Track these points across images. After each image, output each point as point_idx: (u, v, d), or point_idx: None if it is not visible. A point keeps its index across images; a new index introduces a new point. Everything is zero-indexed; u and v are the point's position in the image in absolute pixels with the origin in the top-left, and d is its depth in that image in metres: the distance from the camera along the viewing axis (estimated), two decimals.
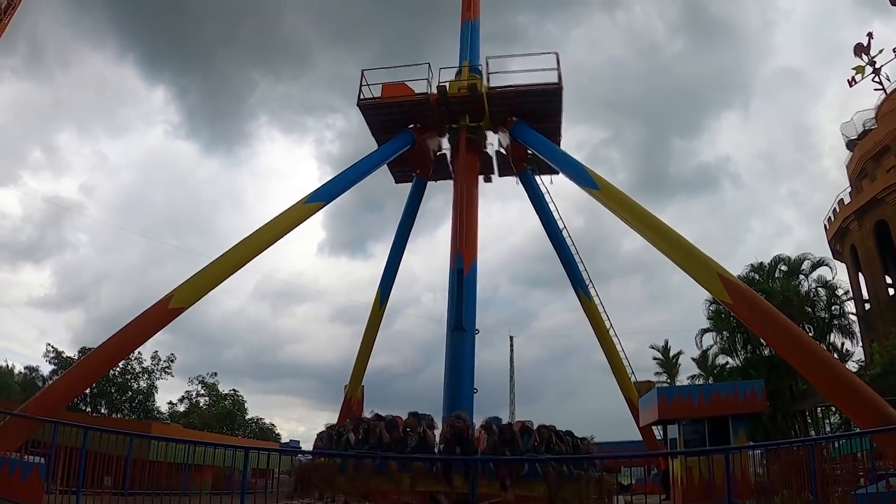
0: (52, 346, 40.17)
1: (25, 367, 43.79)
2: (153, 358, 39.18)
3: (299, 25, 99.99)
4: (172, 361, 39.78)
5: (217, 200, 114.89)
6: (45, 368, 40.50)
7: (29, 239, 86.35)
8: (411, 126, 20.46)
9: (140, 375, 38.49)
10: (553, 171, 21.51)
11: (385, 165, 20.97)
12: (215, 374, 44.84)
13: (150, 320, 14.92)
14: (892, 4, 36.06)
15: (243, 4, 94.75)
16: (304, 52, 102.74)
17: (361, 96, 20.28)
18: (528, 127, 19.75)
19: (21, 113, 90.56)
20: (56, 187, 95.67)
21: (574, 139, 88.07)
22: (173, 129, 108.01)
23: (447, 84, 19.53)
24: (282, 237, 17.69)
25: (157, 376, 38.94)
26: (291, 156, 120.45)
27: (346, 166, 19.72)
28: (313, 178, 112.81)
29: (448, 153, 21.40)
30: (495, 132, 20.88)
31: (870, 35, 35.74)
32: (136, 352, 36.40)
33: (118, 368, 36.82)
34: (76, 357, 38.61)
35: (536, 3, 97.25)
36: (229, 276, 16.55)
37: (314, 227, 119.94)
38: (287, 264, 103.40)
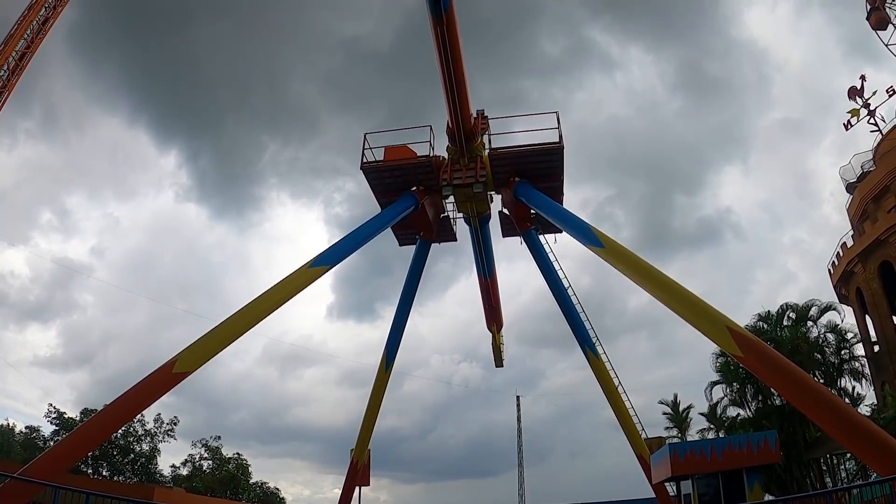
0: (55, 407, 39.74)
1: (27, 427, 43.21)
2: (156, 420, 38.72)
3: (307, 92, 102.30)
4: (176, 424, 39.33)
5: (226, 263, 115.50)
6: (47, 429, 40.02)
7: (37, 299, 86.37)
8: (414, 189, 20.55)
9: (143, 438, 37.94)
10: (557, 230, 21.49)
11: (389, 228, 20.99)
12: (219, 437, 44.24)
13: (154, 384, 14.76)
14: (874, 28, 36.68)
15: (253, 71, 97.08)
16: (313, 117, 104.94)
17: (364, 160, 20.43)
18: (530, 187, 19.83)
19: (34, 174, 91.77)
20: (66, 248, 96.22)
21: (578, 198, 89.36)
22: (184, 192, 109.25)
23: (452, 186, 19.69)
24: (287, 301, 17.61)
25: (161, 439, 38.39)
26: (300, 218, 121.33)
27: (355, 229, 19.76)
28: (322, 240, 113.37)
29: (451, 215, 21.44)
30: (498, 192, 20.93)
31: (863, 78, 36.31)
32: (139, 414, 35.96)
33: (121, 431, 36.25)
34: (78, 418, 38.19)
35: (539, 69, 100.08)
36: (234, 340, 16.44)
37: (323, 291, 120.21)
38: (296, 327, 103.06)
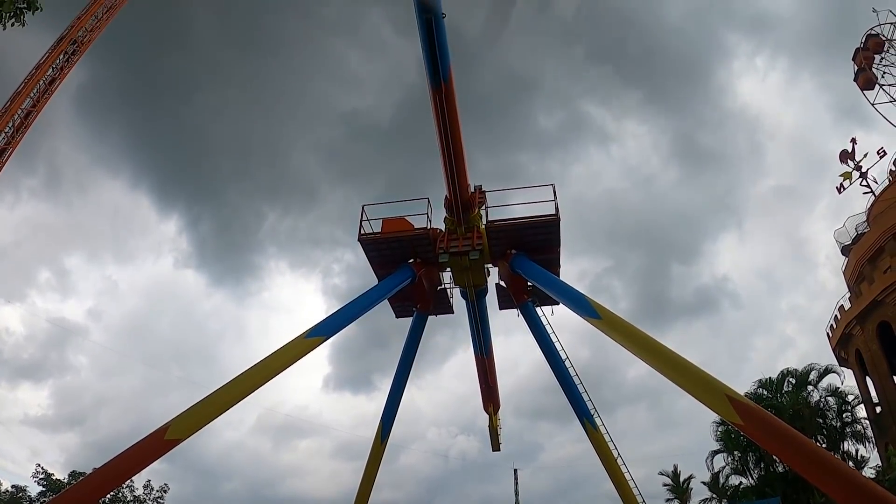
0: (42, 468, 38.94)
1: (13, 486, 42.24)
2: (146, 487, 37.86)
3: (307, 163, 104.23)
4: (166, 492, 38.42)
5: (223, 331, 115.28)
6: (34, 489, 39.14)
7: (31, 358, 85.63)
8: (411, 261, 20.57)
9: None
10: (554, 302, 21.46)
11: (386, 300, 20.94)
12: None
13: (144, 451, 14.46)
14: (862, 89, 37.42)
15: (255, 141, 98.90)
16: (312, 187, 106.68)
17: (362, 231, 20.50)
18: (527, 259, 19.84)
19: (35, 232, 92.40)
20: (62, 308, 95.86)
21: (576, 269, 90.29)
22: (183, 258, 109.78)
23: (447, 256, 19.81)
24: (283, 371, 17.43)
25: None
26: (298, 288, 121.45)
27: (351, 300, 19.73)
28: (320, 310, 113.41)
29: (448, 288, 21.43)
30: (495, 265, 20.97)
31: (853, 141, 36.94)
32: (129, 480, 35.22)
33: (109, 496, 35.46)
34: (66, 480, 37.42)
35: (536, 143, 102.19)
36: (228, 409, 16.20)
37: (320, 362, 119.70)
38: (292, 398, 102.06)
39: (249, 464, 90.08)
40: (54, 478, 38.39)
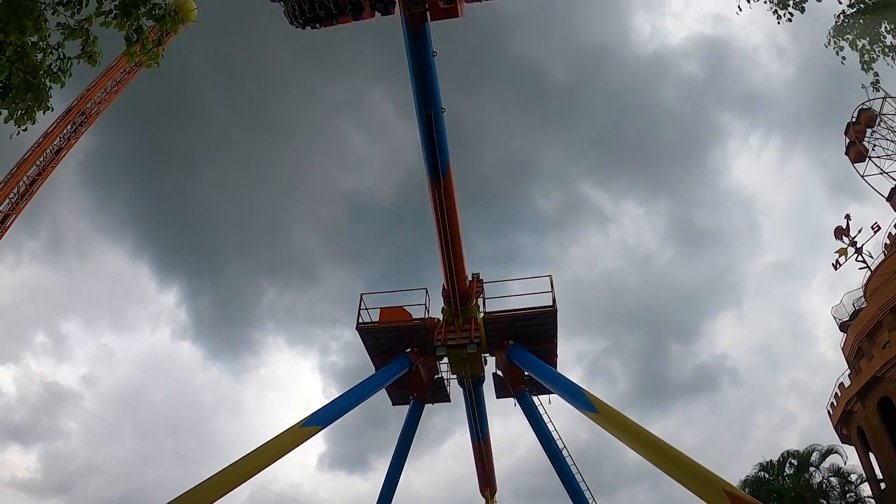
0: None
1: None
2: None
3: (308, 241, 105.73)
4: None
5: (218, 406, 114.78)
6: None
7: (21, 420, 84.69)
8: (409, 350, 20.70)
9: None
10: (551, 391, 21.47)
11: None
12: None
13: None
14: (853, 162, 38.03)
15: (257, 217, 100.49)
16: (313, 265, 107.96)
17: (360, 320, 20.69)
18: (524, 350, 20.01)
19: (34, 295, 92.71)
20: (56, 373, 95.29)
21: (574, 350, 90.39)
22: (181, 330, 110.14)
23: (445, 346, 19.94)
24: (277, 459, 17.42)
25: None
26: (296, 365, 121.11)
27: (350, 379, 19.87)
28: (316, 388, 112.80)
29: (445, 376, 21.49)
30: (492, 355, 21.08)
31: (847, 217, 37.37)
32: None
33: None
34: None
35: (535, 226, 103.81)
36: (222, 496, 16.12)
37: (315, 440, 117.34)
38: (285, 475, 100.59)
39: None
40: None
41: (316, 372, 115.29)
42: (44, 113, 9.85)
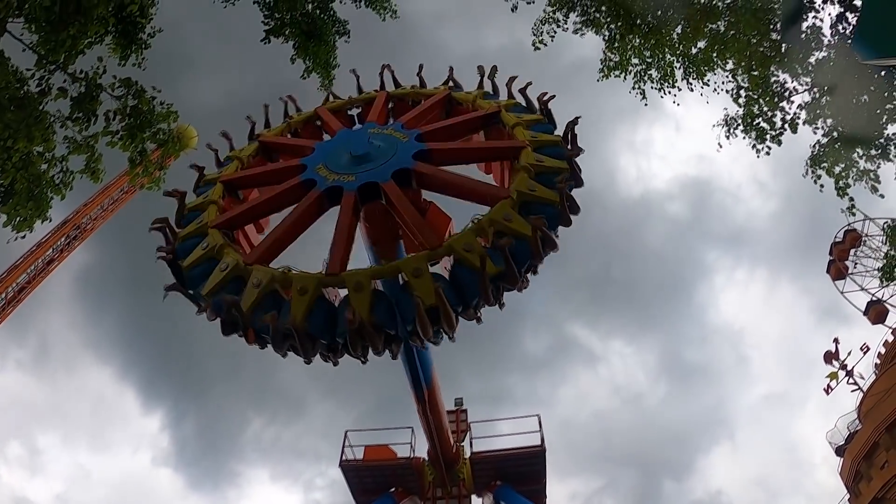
0: None
1: None
2: None
3: (295, 375, 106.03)
4: None
5: None
6: None
7: None
8: (392, 490, 20.09)
9: None
10: None
11: None
12: None
13: None
14: (833, 279, 38.40)
15: (244, 352, 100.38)
16: (299, 400, 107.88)
17: (343, 457, 20.17)
18: (512, 490, 19.50)
19: (13, 404, 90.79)
20: (28, 487, 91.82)
21: (566, 491, 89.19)
22: (162, 456, 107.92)
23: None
24: None
25: None
26: (278, 500, 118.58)
27: None
28: None
29: None
30: (479, 496, 20.45)
31: (836, 341, 37.52)
32: None
33: None
34: None
35: (524, 365, 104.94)
36: None
37: None
38: None
39: None
40: None
41: None
42: (42, 223, 9.93)
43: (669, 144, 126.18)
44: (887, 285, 37.11)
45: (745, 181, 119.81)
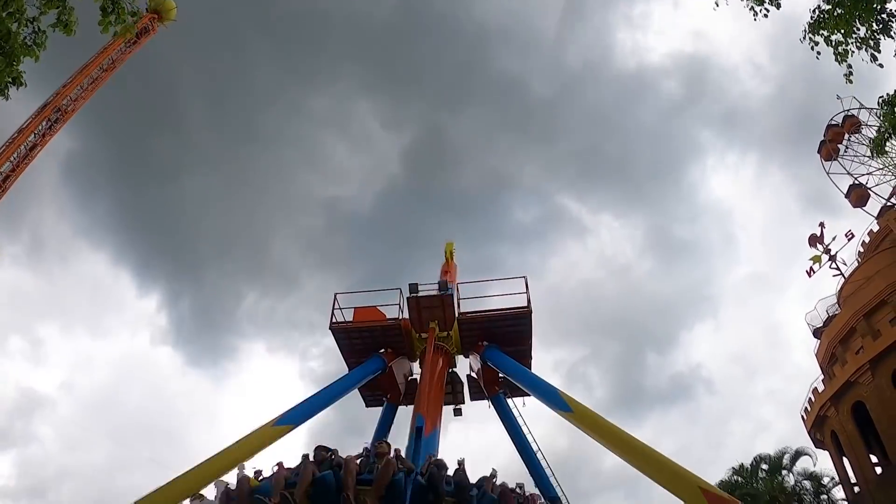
0: None
1: None
2: None
3: (288, 251, 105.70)
4: None
5: (196, 413, 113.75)
6: None
7: None
8: (382, 350, 20.50)
9: None
10: (525, 394, 21.35)
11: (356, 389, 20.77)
12: None
13: None
14: (824, 160, 38.46)
15: (237, 225, 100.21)
16: (292, 273, 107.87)
17: (333, 319, 20.48)
18: (499, 351, 19.88)
19: (12, 299, 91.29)
20: (32, 378, 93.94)
21: (551, 359, 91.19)
22: (161, 335, 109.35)
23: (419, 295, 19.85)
24: (249, 458, 17.04)
25: None
26: (275, 371, 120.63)
27: (321, 389, 19.57)
28: (297, 394, 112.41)
29: (419, 377, 21.29)
30: (466, 357, 20.96)
31: (822, 225, 37.84)
32: None
33: None
34: None
35: (515, 236, 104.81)
36: (190, 495, 15.78)
37: (294, 448, 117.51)
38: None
39: None
40: None
41: (296, 378, 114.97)
42: (17, 88, 9.60)
43: (667, 19, 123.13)
44: (872, 172, 37.26)
45: (742, 62, 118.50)
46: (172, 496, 15.22)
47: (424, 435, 17.01)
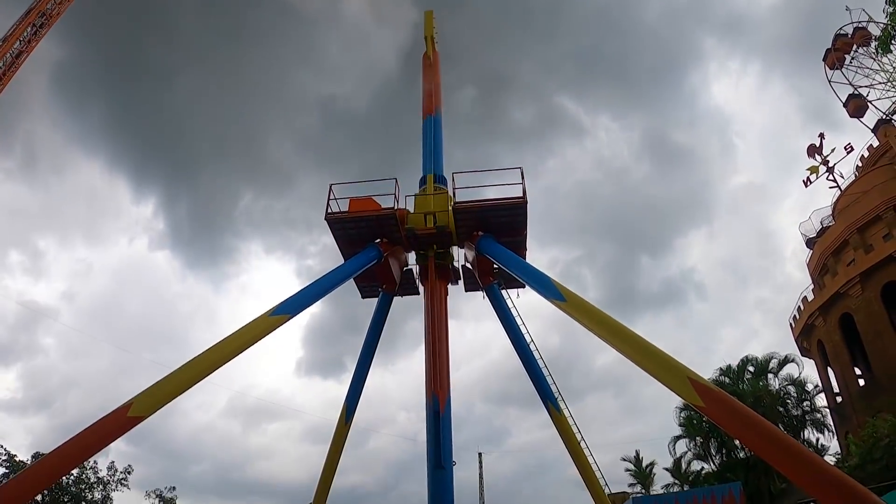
0: (6, 450, 38.31)
1: None
2: (109, 468, 37.49)
3: (283, 149, 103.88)
4: (129, 473, 38.07)
5: (196, 314, 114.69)
6: None
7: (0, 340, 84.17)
8: (378, 241, 20.45)
9: (95, 486, 36.60)
10: (520, 285, 21.48)
11: (352, 280, 20.86)
12: (173, 488, 42.97)
13: (107, 427, 14.12)
14: (829, 67, 37.94)
15: (232, 125, 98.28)
16: (288, 172, 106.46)
17: (329, 210, 20.35)
18: (493, 241, 19.78)
19: (9, 214, 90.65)
20: (34, 291, 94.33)
21: (546, 258, 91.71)
22: (158, 238, 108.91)
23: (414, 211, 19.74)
24: (246, 349, 17.19)
25: (114, 488, 37.05)
26: (273, 270, 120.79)
27: (317, 279, 19.63)
28: (294, 290, 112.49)
29: (415, 269, 21.37)
30: (461, 247, 20.94)
31: (821, 136, 37.54)
32: (91, 461, 34.89)
33: (72, 477, 35.08)
34: (29, 462, 36.92)
35: (512, 134, 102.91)
36: (192, 385, 15.98)
37: (293, 344, 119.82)
38: (263, 381, 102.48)
39: (218, 446, 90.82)
40: (18, 459, 37.82)
41: (293, 276, 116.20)
42: None
43: None
44: (874, 85, 36.72)
45: None
46: (170, 390, 15.42)
47: (440, 413, 17.90)
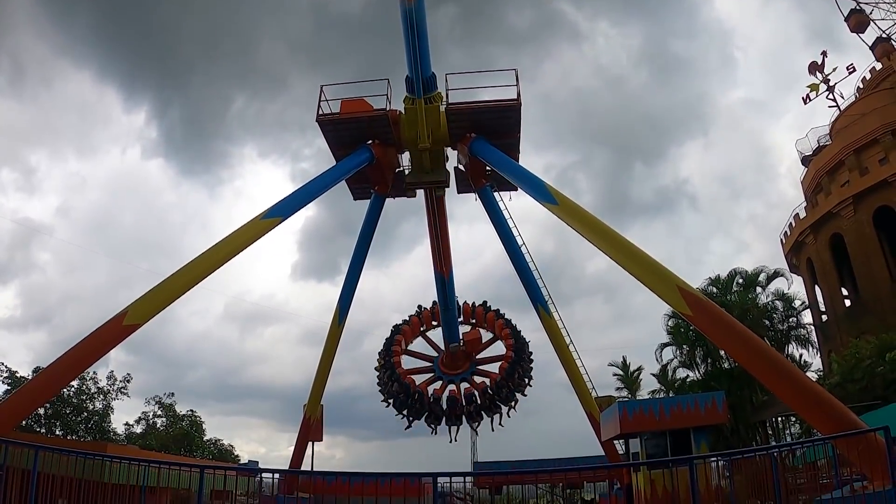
0: (6, 366, 38.79)
1: None
2: (109, 378, 38.15)
3: (276, 51, 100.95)
4: (129, 382, 38.77)
5: (191, 222, 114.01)
6: None
7: None
8: (370, 142, 20.32)
9: (96, 396, 37.34)
10: (512, 188, 21.49)
11: (344, 182, 20.82)
12: (172, 394, 43.95)
13: (103, 337, 14.50)
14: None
15: (222, 29, 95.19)
16: (281, 74, 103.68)
17: (320, 112, 20.10)
18: (486, 143, 19.68)
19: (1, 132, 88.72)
20: (28, 207, 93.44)
21: (542, 162, 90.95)
22: (152, 147, 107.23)
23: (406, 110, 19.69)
24: (239, 253, 17.39)
25: (114, 397, 37.85)
26: (268, 174, 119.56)
27: (309, 181, 19.58)
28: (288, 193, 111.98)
29: (407, 170, 21.29)
30: (454, 148, 20.81)
31: (824, 54, 36.88)
32: (91, 371, 35.51)
33: (73, 388, 35.76)
34: (30, 377, 37.48)
35: (509, 36, 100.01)
36: (186, 291, 16.27)
37: (289, 249, 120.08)
38: (259, 286, 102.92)
39: (215, 352, 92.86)
40: (19, 375, 38.35)
41: (288, 180, 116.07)
42: None
43: None
44: (878, 4, 35.79)
45: None
46: (164, 297, 15.54)
47: (446, 279, 20.86)
